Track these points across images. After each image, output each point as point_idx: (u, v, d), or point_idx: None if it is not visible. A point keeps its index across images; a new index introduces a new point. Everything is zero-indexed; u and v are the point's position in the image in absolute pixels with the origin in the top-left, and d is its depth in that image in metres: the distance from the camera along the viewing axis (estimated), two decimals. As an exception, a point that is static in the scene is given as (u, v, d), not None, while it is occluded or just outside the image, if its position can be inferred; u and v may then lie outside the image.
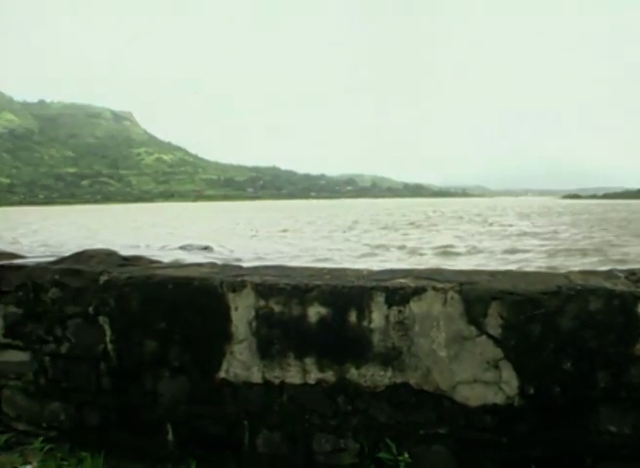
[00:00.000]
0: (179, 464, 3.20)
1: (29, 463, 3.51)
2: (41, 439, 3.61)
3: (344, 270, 3.12)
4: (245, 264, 3.53)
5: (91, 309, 3.39)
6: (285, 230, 50.37)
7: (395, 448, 2.84)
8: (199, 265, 3.48)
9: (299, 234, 46.16)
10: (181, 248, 33.72)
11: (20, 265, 3.77)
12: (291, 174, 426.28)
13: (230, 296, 2.97)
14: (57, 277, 3.53)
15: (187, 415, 3.18)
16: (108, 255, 3.63)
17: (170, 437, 3.25)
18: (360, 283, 2.80)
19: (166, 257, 4.12)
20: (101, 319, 3.36)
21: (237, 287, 2.95)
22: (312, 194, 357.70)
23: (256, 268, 3.28)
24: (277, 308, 2.89)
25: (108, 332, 3.35)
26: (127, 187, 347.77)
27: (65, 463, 3.42)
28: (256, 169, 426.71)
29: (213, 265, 3.45)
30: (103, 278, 3.36)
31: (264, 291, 2.90)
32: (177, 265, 3.58)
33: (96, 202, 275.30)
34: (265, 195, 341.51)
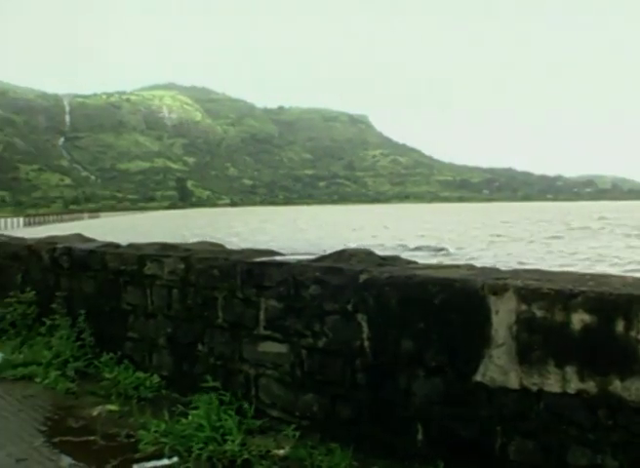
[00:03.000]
0: (426, 464, 3.68)
1: (282, 448, 4.21)
2: (293, 426, 4.32)
3: (608, 277, 3.42)
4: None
5: (349, 306, 4.02)
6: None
7: (657, 471, 3.04)
8: (457, 267, 3.97)
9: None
10: (417, 248, 35.54)
11: (282, 262, 4.51)
12: (527, 175, 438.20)
13: (491, 299, 3.40)
14: (317, 274, 4.21)
15: (439, 416, 3.66)
16: (368, 255, 4.25)
17: (420, 436, 3.75)
18: (628, 290, 3.08)
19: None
20: (359, 316, 3.97)
21: (499, 290, 3.37)
22: (549, 196, 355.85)
23: (516, 271, 3.69)
24: (539, 313, 3.26)
25: (365, 330, 3.94)
26: (362, 188, 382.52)
27: (316, 452, 4.07)
28: (491, 170, 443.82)
29: (470, 267, 3.92)
30: (363, 277, 3.96)
31: (527, 295, 3.30)
32: (435, 266, 4.11)
33: (332, 202, 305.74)
34: (501, 197, 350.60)
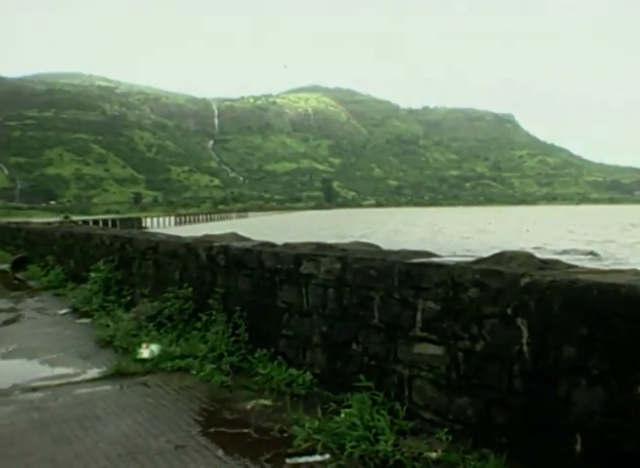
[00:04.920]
0: (585, 477, 3.74)
1: (434, 451, 4.41)
2: (446, 430, 4.52)
3: None
4: None
5: (509, 310, 4.18)
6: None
7: None
8: (621, 272, 4.04)
9: None
10: (564, 252, 35.40)
11: (441, 264, 4.72)
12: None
13: (660, 307, 3.45)
14: (477, 277, 4.40)
15: (600, 427, 3.72)
16: (528, 258, 4.39)
17: (578, 447, 3.84)
18: None
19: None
20: (519, 320, 4.12)
21: (668, 297, 3.42)
22: None
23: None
24: None
25: (525, 334, 4.09)
26: (509, 189, 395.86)
27: (469, 457, 4.25)
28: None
29: (636, 272, 3.98)
30: (525, 280, 4.10)
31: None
32: (598, 271, 4.20)
33: (478, 204, 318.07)
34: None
